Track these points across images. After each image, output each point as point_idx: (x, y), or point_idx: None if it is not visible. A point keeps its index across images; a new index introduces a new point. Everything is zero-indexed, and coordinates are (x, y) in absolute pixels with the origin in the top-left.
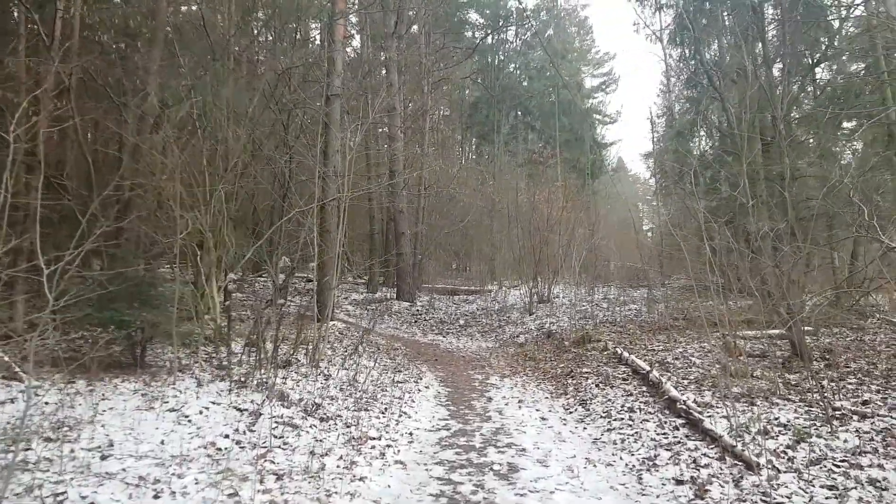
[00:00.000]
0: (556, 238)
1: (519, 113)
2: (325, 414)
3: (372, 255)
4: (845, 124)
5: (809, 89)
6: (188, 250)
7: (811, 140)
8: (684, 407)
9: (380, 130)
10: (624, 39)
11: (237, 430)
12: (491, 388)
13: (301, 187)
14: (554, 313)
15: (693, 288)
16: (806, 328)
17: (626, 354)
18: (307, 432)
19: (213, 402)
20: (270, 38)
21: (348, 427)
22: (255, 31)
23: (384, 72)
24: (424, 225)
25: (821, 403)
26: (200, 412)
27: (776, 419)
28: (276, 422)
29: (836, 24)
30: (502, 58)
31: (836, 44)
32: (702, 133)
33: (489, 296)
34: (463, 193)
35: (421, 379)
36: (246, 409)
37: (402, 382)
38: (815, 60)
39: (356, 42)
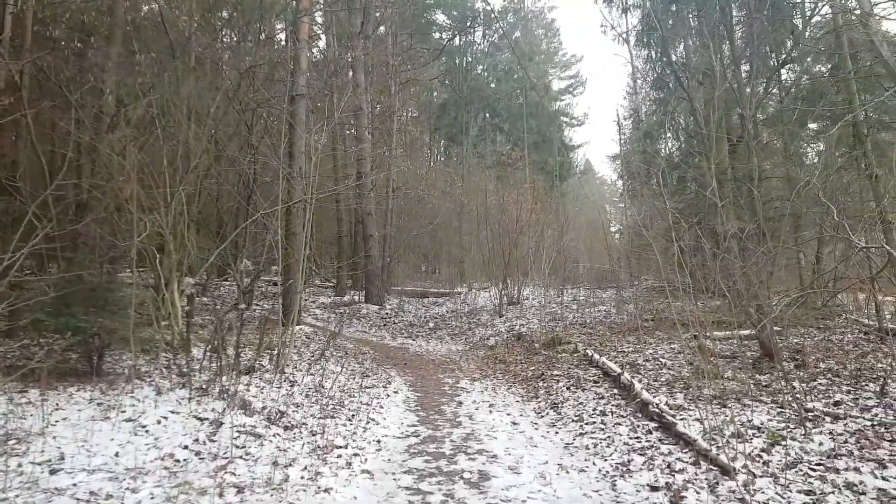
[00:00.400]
0: (526, 240)
1: (487, 115)
2: (289, 422)
3: (340, 258)
4: (810, 125)
5: (775, 91)
6: (148, 254)
7: (776, 141)
8: (657, 410)
9: (347, 132)
10: (591, 41)
11: (197, 440)
12: (461, 392)
13: (266, 189)
14: (524, 315)
15: (662, 288)
16: (775, 328)
17: (596, 356)
18: (270, 441)
19: (173, 412)
20: (235, 37)
21: (314, 435)
22: (218, 30)
23: (350, 73)
24: (393, 227)
25: (793, 405)
26: (158, 422)
27: (749, 421)
28: (237, 431)
29: (801, 24)
30: (470, 59)
31: (801, 44)
32: (669, 134)
33: (459, 298)
34: (432, 195)
35: (390, 384)
36: (206, 419)
37: (371, 388)
38: (780, 62)
39: (322, 42)
